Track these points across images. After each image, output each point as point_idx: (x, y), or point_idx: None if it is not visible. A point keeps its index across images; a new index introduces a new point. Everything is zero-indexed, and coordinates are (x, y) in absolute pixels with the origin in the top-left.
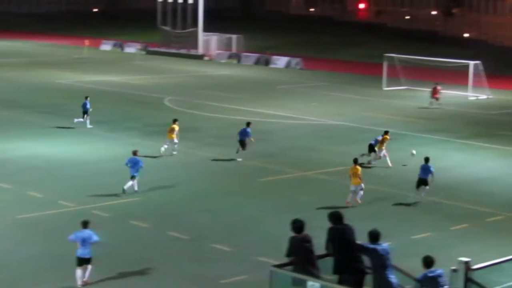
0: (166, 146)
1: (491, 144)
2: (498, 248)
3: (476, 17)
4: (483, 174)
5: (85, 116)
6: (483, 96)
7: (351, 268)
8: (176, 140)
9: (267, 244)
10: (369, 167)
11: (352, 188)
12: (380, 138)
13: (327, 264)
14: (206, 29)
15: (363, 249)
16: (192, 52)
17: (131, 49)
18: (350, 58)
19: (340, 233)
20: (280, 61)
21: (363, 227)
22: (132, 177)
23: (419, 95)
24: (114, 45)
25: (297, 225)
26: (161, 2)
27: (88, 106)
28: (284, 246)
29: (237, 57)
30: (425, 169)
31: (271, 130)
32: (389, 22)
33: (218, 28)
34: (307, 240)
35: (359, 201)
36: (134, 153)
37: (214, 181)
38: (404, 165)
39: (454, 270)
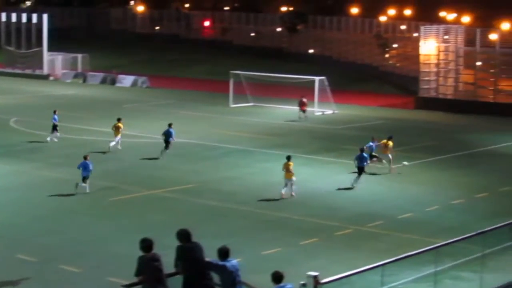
0: (114, 143)
1: (337, 159)
2: (347, 261)
3: (320, 33)
4: (331, 188)
5: (55, 130)
6: (329, 111)
7: (201, 286)
8: (119, 137)
9: (117, 264)
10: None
11: (285, 181)
12: (376, 143)
13: (176, 283)
14: (51, 48)
15: (212, 266)
16: (37, 72)
17: None
18: (197, 76)
19: (188, 251)
20: (126, 80)
21: (212, 244)
22: (84, 179)
23: (265, 111)
24: None
25: (146, 244)
26: (4, 22)
27: (56, 120)
28: (134, 265)
29: (83, 76)
30: (362, 158)
31: (117, 150)
32: (235, 40)
33: (64, 48)
34: (155, 259)
35: (293, 194)
36: (85, 157)
37: (63, 202)
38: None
39: (303, 285)
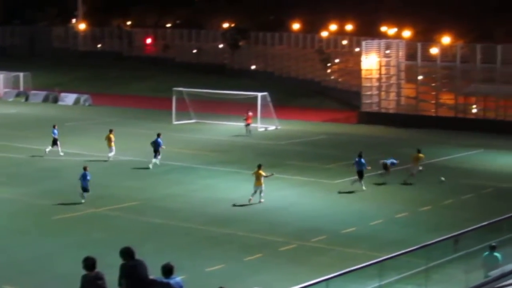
0: (112, 153)
1: (281, 174)
2: (292, 276)
3: (262, 49)
4: (275, 203)
5: (55, 144)
6: (272, 127)
7: None
8: (113, 147)
9: (61, 283)
10: (384, 184)
11: (254, 188)
12: (395, 161)
13: None
14: None
15: (156, 284)
16: None
17: None
18: (140, 93)
19: (132, 269)
20: (69, 98)
21: (156, 262)
22: (84, 189)
23: (208, 128)
24: None
25: (89, 263)
26: None
27: (55, 134)
28: (78, 284)
29: (25, 95)
30: (360, 163)
31: (61, 168)
32: (177, 57)
33: (5, 66)
34: (99, 278)
35: (262, 201)
36: (85, 168)
37: (7, 220)
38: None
39: None
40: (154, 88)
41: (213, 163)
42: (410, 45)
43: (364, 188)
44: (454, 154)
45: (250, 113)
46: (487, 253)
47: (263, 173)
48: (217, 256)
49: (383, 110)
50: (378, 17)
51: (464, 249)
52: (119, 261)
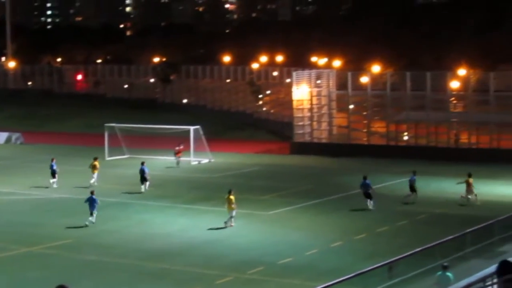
0: (93, 180)
1: (215, 207)
2: None
3: (193, 83)
4: (210, 236)
5: (54, 177)
6: (205, 160)
7: None
8: (96, 174)
9: None
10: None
11: (228, 213)
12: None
13: None
14: None
15: None
16: None
17: None
18: (72, 130)
19: None
20: (0, 137)
21: None
22: (91, 213)
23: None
24: None
25: None
26: None
27: (54, 167)
28: None
29: None
30: (365, 185)
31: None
32: (108, 92)
33: None
34: None
35: (232, 225)
36: (92, 192)
37: None
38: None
39: None
40: (86, 124)
41: (148, 198)
42: (341, 74)
43: (371, 208)
44: (387, 182)
45: (182, 146)
46: (440, 272)
47: (233, 199)
48: None
49: (315, 140)
50: (308, 47)
51: (399, 276)
52: None
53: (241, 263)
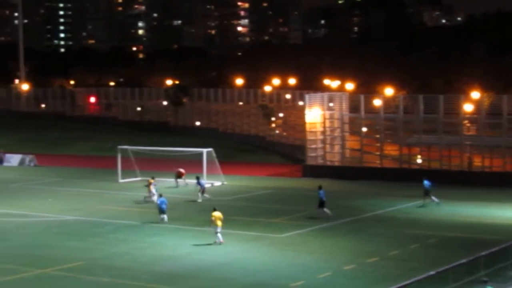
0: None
1: (226, 230)
2: None
3: (205, 106)
4: (220, 259)
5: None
6: (218, 183)
7: None
8: (152, 191)
9: None
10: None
11: (214, 230)
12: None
13: None
14: None
15: None
16: None
17: None
18: (84, 153)
19: None
20: (14, 159)
21: None
22: (162, 212)
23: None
24: None
25: None
26: None
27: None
28: None
29: None
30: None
31: (4, 230)
32: (120, 115)
33: None
34: None
35: (217, 241)
36: (160, 195)
37: None
38: None
39: None
40: (99, 147)
41: (159, 221)
42: (353, 97)
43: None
44: (399, 205)
45: (182, 170)
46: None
47: (216, 215)
48: None
49: (328, 163)
50: (320, 70)
51: None
52: None
53: (252, 286)
